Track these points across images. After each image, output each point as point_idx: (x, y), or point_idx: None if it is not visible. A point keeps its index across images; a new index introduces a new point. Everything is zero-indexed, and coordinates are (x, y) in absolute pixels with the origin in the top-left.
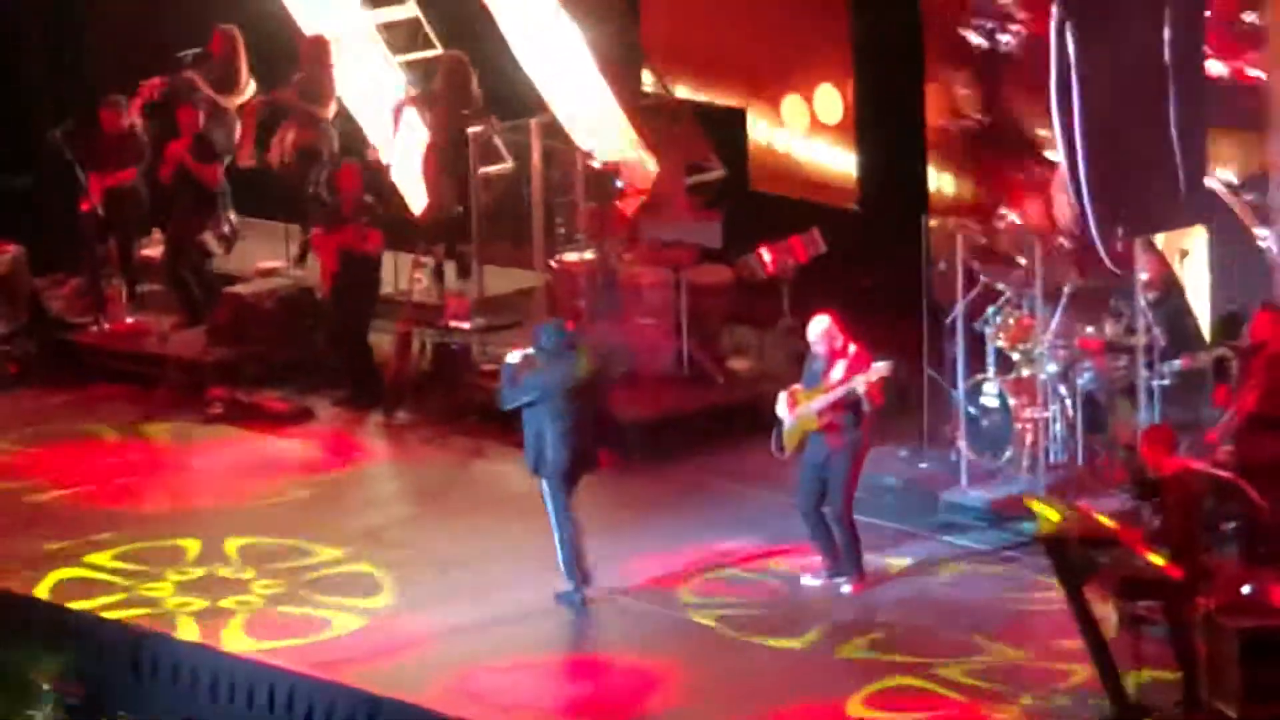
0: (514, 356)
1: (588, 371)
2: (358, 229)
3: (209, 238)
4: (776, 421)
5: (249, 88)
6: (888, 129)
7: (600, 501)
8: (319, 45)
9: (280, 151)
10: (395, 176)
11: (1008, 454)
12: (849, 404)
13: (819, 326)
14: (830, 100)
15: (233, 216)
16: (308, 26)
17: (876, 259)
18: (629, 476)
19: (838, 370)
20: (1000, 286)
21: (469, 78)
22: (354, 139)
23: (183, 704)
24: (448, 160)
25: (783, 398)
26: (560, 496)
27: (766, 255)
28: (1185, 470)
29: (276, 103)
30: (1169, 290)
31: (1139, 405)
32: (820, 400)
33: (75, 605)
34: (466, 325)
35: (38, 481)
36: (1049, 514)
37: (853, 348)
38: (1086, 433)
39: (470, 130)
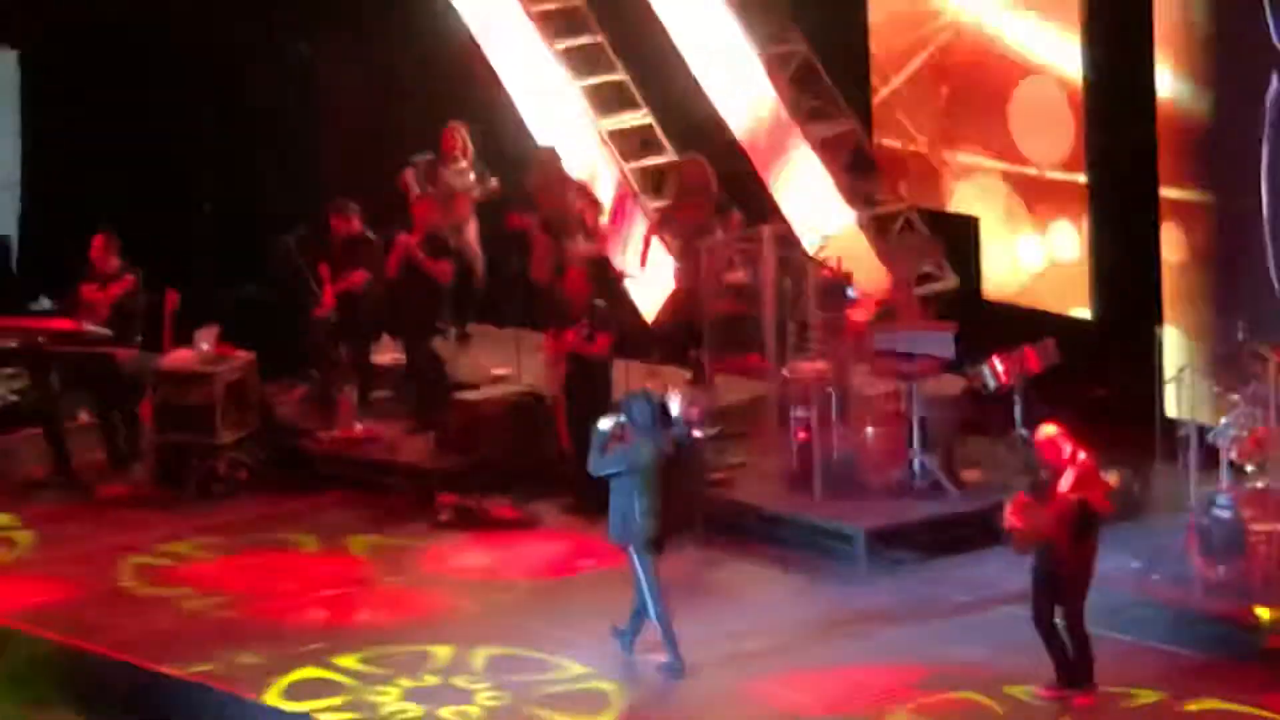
0: (605, 424)
1: (676, 447)
2: (585, 331)
3: (440, 343)
4: (1006, 531)
5: (491, 183)
6: (1120, 245)
7: (827, 610)
8: (552, 157)
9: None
10: (629, 282)
11: (1240, 567)
12: (1080, 514)
13: (1046, 435)
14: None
15: (468, 326)
16: (539, 133)
17: (1109, 369)
18: (858, 586)
19: (1066, 479)
20: (1234, 398)
21: (709, 182)
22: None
23: None
24: (688, 269)
25: (1011, 506)
26: (650, 566)
27: (1000, 365)
28: None
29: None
30: None
31: None
32: (1046, 509)
33: (298, 707)
34: (699, 433)
35: (276, 587)
36: None
37: (1082, 456)
38: None
39: (706, 240)
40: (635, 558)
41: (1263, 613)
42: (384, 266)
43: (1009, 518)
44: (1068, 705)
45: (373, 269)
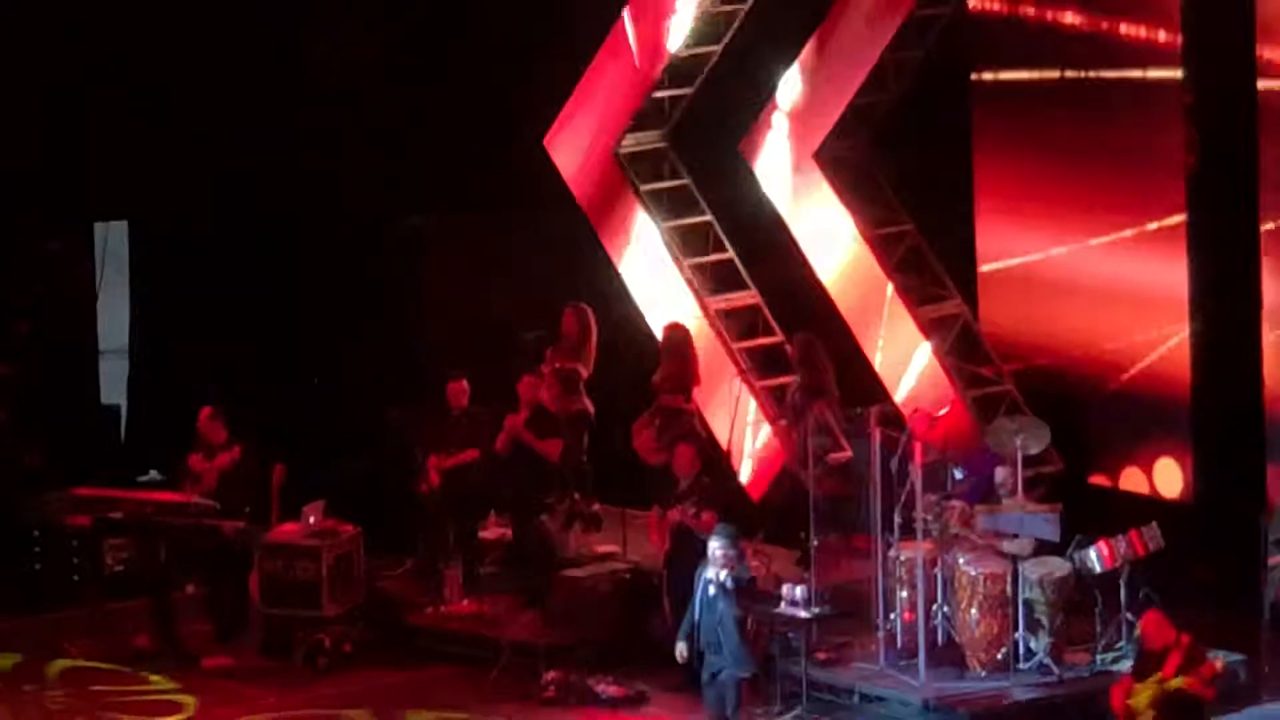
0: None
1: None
2: (693, 509)
3: (549, 520)
4: (1111, 714)
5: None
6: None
7: None
8: (681, 333)
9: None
10: (736, 460)
11: None
12: (1184, 703)
13: (1152, 619)
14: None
15: (596, 505)
16: (651, 317)
17: (1212, 554)
18: None
19: (1170, 663)
20: None
21: (821, 359)
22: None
23: None
24: (794, 447)
25: (1117, 689)
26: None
27: (1106, 549)
28: None
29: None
30: None
31: None
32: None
33: None
34: (804, 613)
35: None
36: None
37: (1185, 639)
38: None
39: (814, 416)
40: (739, 690)
41: None
42: (493, 441)
43: (1114, 701)
44: None
45: (481, 444)
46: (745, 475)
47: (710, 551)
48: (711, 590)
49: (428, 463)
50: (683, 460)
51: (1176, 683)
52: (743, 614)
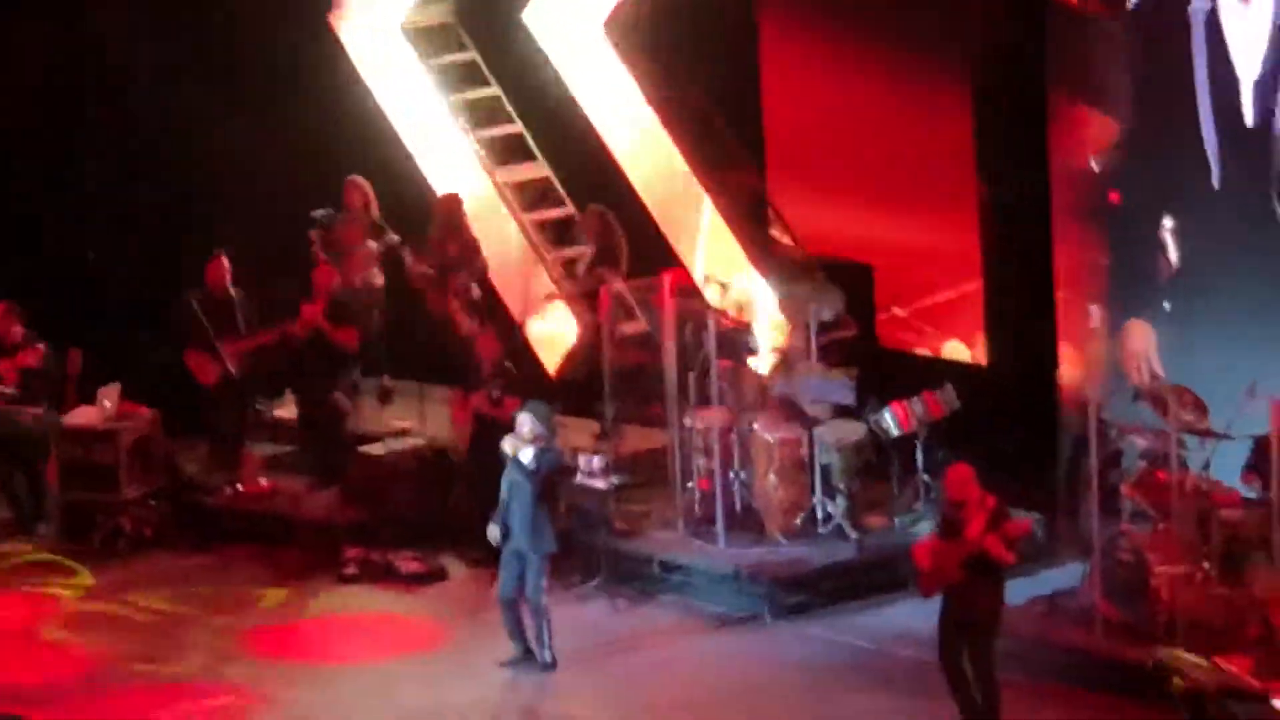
0: (526, 422)
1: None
2: (493, 395)
3: (341, 397)
4: (914, 574)
5: (391, 237)
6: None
7: (730, 659)
8: (454, 203)
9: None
10: (531, 337)
11: (1142, 609)
12: (985, 560)
13: (956, 476)
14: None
15: (387, 378)
16: (438, 185)
17: (1009, 416)
18: (760, 634)
19: (975, 522)
20: (1135, 439)
21: (613, 234)
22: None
23: None
24: (587, 321)
25: (919, 549)
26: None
27: (900, 412)
28: None
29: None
30: None
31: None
32: (953, 551)
33: None
34: (602, 484)
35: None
36: (1187, 669)
37: (990, 499)
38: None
39: (605, 289)
40: (538, 563)
41: (1161, 653)
42: (268, 322)
43: (917, 560)
44: None
45: (257, 325)
46: (540, 349)
47: (517, 428)
48: (515, 469)
49: (223, 347)
50: (486, 346)
51: (980, 542)
52: (544, 491)
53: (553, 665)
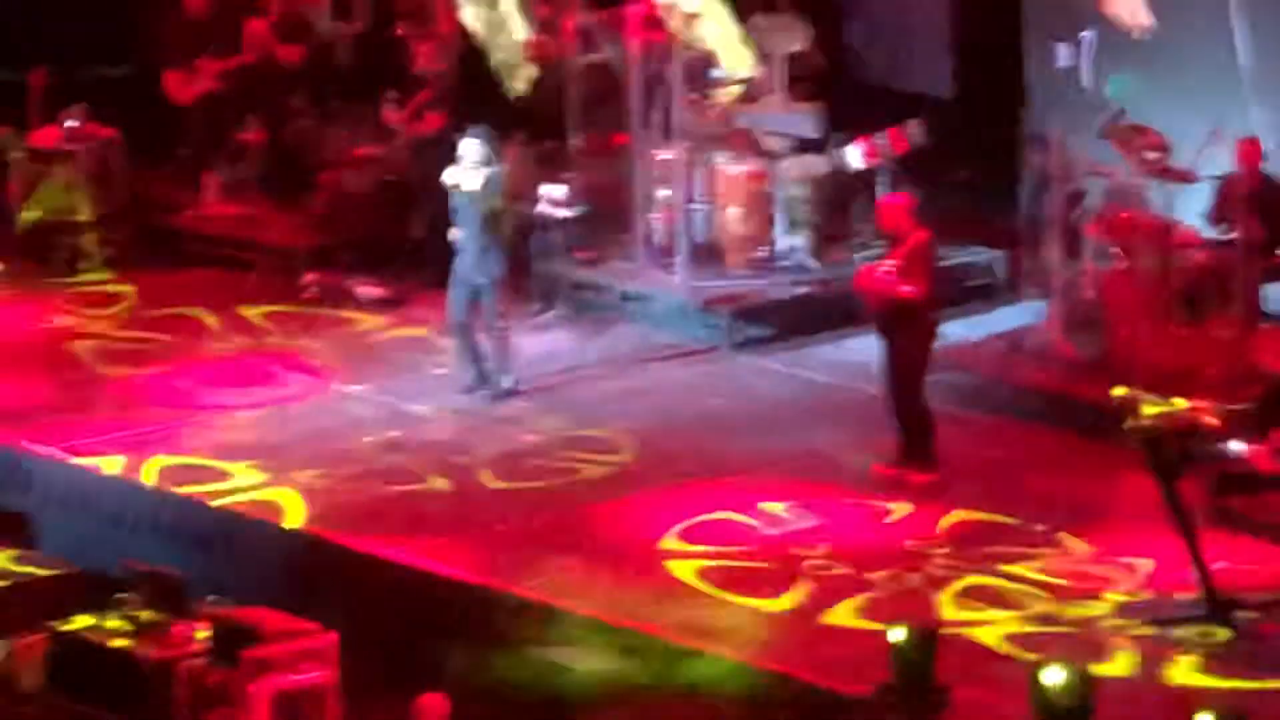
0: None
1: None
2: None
3: (306, 122)
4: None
5: None
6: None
7: (687, 389)
8: None
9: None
10: (496, 62)
11: (1103, 348)
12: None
13: (889, 208)
14: None
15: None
16: None
17: (974, 152)
18: (718, 365)
19: (894, 254)
20: (1100, 178)
21: None
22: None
23: None
24: (550, 48)
25: (862, 272)
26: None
27: (864, 146)
28: None
29: None
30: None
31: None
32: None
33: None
34: (563, 213)
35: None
36: (1143, 406)
37: (920, 236)
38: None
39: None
40: (491, 289)
41: (1120, 392)
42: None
43: (858, 282)
44: (903, 481)
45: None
46: (502, 75)
47: (460, 154)
48: (459, 195)
49: (195, 66)
50: (424, 54)
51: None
52: (490, 217)
53: (513, 391)
